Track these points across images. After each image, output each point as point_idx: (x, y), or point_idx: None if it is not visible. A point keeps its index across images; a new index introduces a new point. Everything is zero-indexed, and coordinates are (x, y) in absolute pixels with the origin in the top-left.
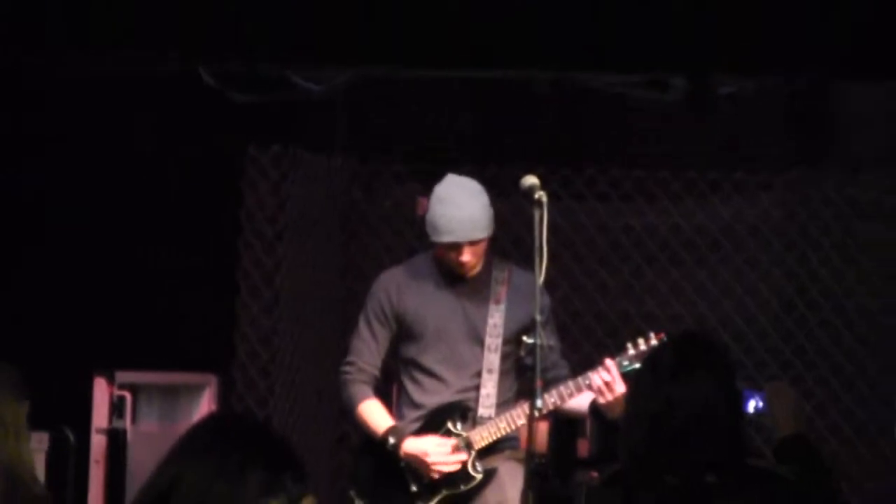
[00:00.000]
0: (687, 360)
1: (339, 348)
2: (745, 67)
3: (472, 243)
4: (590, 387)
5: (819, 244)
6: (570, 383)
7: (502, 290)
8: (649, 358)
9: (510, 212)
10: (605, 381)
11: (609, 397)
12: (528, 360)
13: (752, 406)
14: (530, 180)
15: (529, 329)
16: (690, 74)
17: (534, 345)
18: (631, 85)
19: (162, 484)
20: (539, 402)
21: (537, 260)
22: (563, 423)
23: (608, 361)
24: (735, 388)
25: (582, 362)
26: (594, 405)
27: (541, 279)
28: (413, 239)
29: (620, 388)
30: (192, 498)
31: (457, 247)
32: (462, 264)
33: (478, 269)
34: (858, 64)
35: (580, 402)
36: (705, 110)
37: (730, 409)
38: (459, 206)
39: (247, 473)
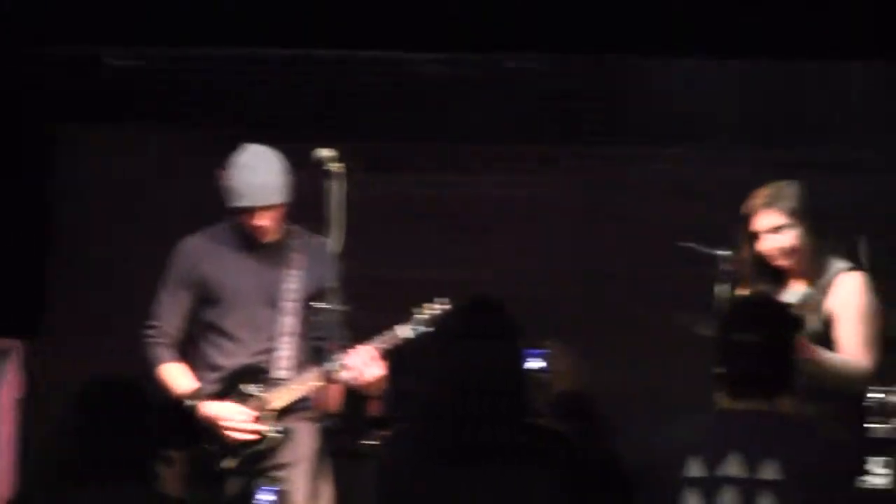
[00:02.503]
0: (473, 323)
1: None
2: (538, 43)
3: (267, 208)
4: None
5: (603, 214)
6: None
7: (298, 257)
8: (438, 322)
9: (307, 182)
10: (363, 362)
11: (363, 379)
12: (321, 325)
13: (533, 364)
14: (324, 152)
15: (323, 294)
16: (484, 50)
17: (326, 310)
18: (427, 61)
19: None
20: (331, 366)
21: (331, 229)
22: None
23: (368, 350)
24: (518, 349)
25: (375, 329)
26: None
27: (335, 247)
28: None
29: (376, 370)
30: None
31: (252, 211)
32: (258, 229)
33: (275, 235)
34: (655, 41)
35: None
36: (499, 85)
37: (515, 371)
38: (255, 172)
39: None
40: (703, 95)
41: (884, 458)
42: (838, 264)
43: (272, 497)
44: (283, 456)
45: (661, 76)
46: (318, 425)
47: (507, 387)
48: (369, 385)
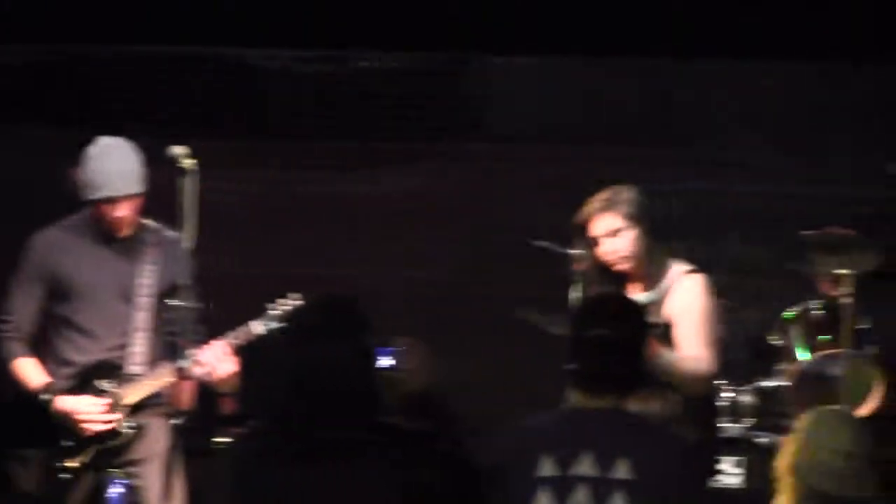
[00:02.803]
0: (325, 320)
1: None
2: (395, 43)
3: (127, 198)
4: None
5: (461, 211)
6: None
7: (152, 251)
8: (290, 319)
9: (162, 179)
10: (216, 358)
11: (216, 376)
12: (174, 322)
13: (385, 362)
14: (178, 149)
15: (176, 290)
16: (345, 48)
17: (179, 307)
18: (289, 59)
19: None
20: (184, 362)
21: (185, 226)
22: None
23: (220, 345)
24: (370, 347)
25: (228, 325)
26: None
27: (188, 244)
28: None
29: (228, 367)
30: None
31: (112, 201)
32: (117, 220)
33: (131, 228)
34: (505, 41)
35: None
36: (360, 82)
37: (366, 369)
38: (114, 162)
39: None
40: (563, 95)
41: (736, 458)
42: (678, 266)
43: (121, 489)
44: (137, 452)
45: (522, 76)
46: (171, 422)
47: (358, 385)
48: (222, 381)
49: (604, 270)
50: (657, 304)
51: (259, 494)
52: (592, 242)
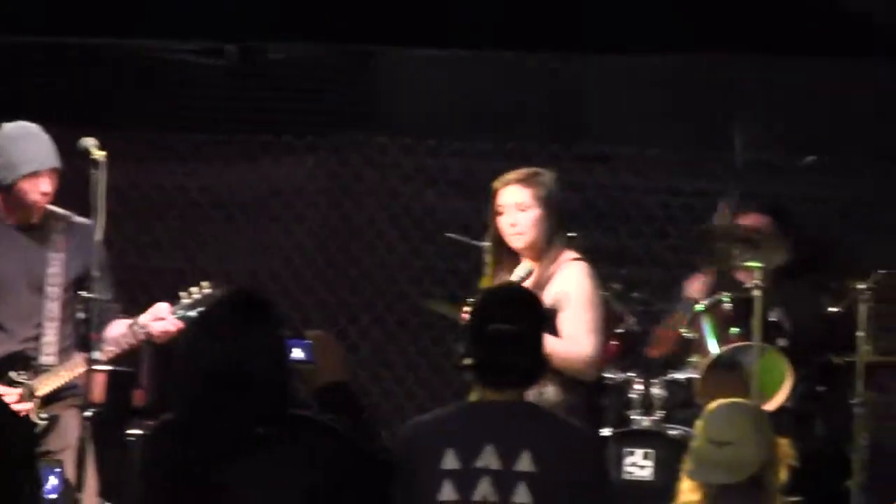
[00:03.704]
0: (238, 313)
1: None
2: (295, 35)
3: (52, 171)
4: (149, 334)
5: (362, 204)
6: (129, 332)
7: (62, 240)
8: (203, 311)
9: (71, 171)
10: (164, 328)
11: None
12: (86, 314)
13: (296, 355)
14: (88, 141)
15: (87, 280)
16: (241, 41)
17: (91, 299)
18: (187, 52)
19: None
20: (97, 354)
21: (95, 217)
22: (120, 374)
23: (161, 306)
24: (283, 341)
25: (139, 315)
26: None
27: (99, 235)
28: None
29: (168, 325)
30: None
31: (38, 175)
32: (43, 197)
33: (41, 216)
34: (401, 33)
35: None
36: (256, 76)
37: (278, 361)
38: (31, 139)
39: None
40: (454, 89)
41: (645, 450)
42: (566, 253)
43: (56, 481)
44: (49, 443)
45: (420, 68)
46: (84, 413)
47: (271, 377)
48: (158, 336)
49: (500, 245)
50: (540, 287)
51: (168, 489)
52: (497, 211)
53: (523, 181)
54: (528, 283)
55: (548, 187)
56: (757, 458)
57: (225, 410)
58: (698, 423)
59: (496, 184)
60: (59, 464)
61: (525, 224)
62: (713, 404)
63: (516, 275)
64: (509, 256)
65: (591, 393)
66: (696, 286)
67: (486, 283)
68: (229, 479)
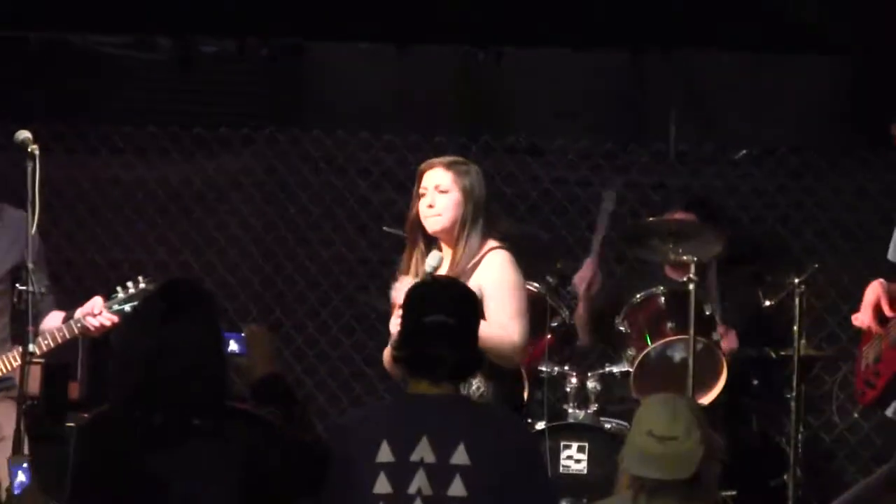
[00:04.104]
0: (175, 305)
1: None
2: (228, 29)
3: None
4: (84, 328)
5: (297, 197)
6: (64, 326)
7: None
8: (139, 304)
9: (7, 164)
10: (100, 322)
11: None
12: (22, 306)
13: (231, 348)
14: (23, 134)
15: (21, 271)
16: (175, 34)
17: (26, 291)
18: (120, 45)
19: None
20: (32, 347)
21: (30, 209)
22: (56, 366)
23: (96, 300)
24: (219, 333)
25: (75, 308)
26: None
27: (34, 228)
28: None
29: (103, 320)
30: None
31: None
32: None
33: None
34: (334, 27)
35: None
36: (190, 69)
37: (215, 354)
38: None
39: None
40: (379, 82)
41: (580, 444)
42: (489, 242)
43: (23, 479)
44: None
45: (351, 62)
46: (18, 406)
47: (207, 369)
48: (93, 331)
49: (416, 225)
50: (463, 277)
51: (103, 481)
52: (419, 194)
53: (447, 165)
54: (441, 272)
55: (471, 177)
56: (699, 453)
57: (160, 403)
58: (637, 417)
59: (422, 166)
60: (26, 459)
61: (442, 206)
62: (651, 398)
63: (428, 265)
64: (425, 240)
65: (519, 384)
66: (582, 273)
67: (402, 266)
68: (165, 471)
